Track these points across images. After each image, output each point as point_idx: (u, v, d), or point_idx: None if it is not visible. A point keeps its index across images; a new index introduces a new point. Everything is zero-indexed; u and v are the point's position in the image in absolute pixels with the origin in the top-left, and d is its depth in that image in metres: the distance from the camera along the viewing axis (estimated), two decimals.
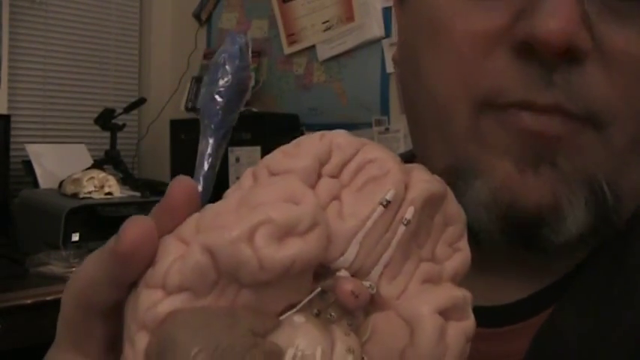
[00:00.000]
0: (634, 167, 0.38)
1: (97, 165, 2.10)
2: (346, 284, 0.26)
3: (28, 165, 2.09)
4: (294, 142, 0.29)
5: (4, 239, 1.92)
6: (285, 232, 0.25)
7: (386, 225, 0.27)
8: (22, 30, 2.28)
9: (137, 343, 0.26)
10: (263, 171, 0.28)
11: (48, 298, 1.48)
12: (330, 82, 2.24)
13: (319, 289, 0.27)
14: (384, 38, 2.10)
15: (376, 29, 2.10)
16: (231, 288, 0.26)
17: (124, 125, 2.24)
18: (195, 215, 0.28)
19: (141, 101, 2.31)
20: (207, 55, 2.50)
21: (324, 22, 2.21)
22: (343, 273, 0.27)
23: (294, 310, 0.27)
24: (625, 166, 0.38)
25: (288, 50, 2.32)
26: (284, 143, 0.29)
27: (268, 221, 0.25)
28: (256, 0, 2.42)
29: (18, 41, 2.26)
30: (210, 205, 0.28)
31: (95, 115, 2.22)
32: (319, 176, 0.28)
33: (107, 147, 2.21)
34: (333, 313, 0.27)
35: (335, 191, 0.28)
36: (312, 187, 0.28)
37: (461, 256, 0.30)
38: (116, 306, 0.27)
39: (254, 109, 2.20)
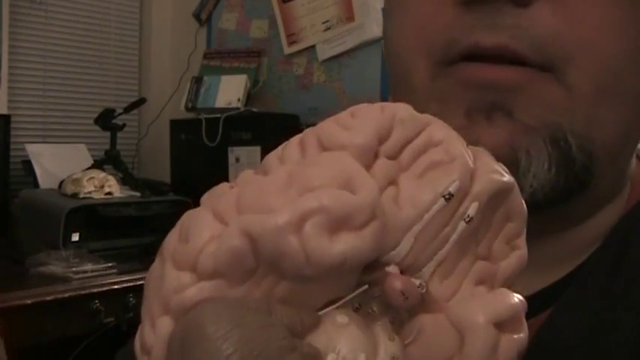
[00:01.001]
0: (607, 122, 0.36)
1: (97, 165, 2.09)
2: (396, 282, 0.24)
3: (28, 165, 2.09)
4: (349, 110, 0.26)
5: (4, 239, 1.92)
6: (340, 225, 0.22)
7: (445, 219, 0.25)
8: (22, 30, 2.28)
9: (160, 328, 0.23)
10: (312, 141, 0.25)
11: (48, 298, 1.48)
12: (330, 82, 2.24)
13: (366, 286, 0.24)
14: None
15: (376, 29, 2.10)
16: (270, 279, 0.23)
17: (124, 125, 2.24)
18: (235, 190, 0.25)
19: (141, 101, 2.31)
20: (207, 55, 2.50)
21: (324, 22, 2.21)
22: (393, 268, 0.24)
23: (336, 305, 0.24)
24: (594, 118, 0.36)
25: (288, 50, 2.32)
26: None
27: (321, 210, 0.22)
28: (256, 0, 2.42)
29: (18, 41, 2.26)
30: (251, 175, 0.25)
31: (95, 115, 2.22)
32: (376, 156, 0.25)
33: (107, 147, 2.21)
34: (375, 308, 0.25)
35: (393, 175, 0.25)
36: (368, 167, 0.25)
37: (518, 256, 0.27)
38: None
39: (254, 109, 2.19)
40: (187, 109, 2.30)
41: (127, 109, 2.26)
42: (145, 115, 2.58)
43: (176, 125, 2.32)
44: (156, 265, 0.25)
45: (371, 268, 0.24)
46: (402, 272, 0.25)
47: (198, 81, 2.34)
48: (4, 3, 2.17)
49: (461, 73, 0.36)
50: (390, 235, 0.24)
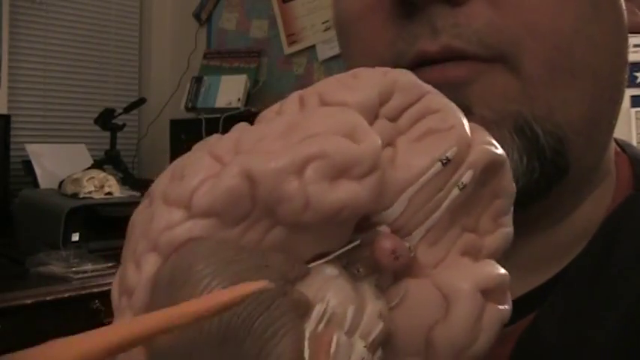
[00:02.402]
0: (569, 101, 0.36)
1: (97, 165, 2.09)
2: (388, 242, 0.23)
3: (28, 165, 2.09)
4: (351, 72, 0.26)
5: (4, 239, 1.92)
6: (341, 172, 0.22)
7: (440, 185, 0.25)
8: (23, 30, 2.28)
9: (145, 266, 0.22)
10: (313, 98, 0.25)
11: (48, 298, 1.48)
12: None
13: (358, 241, 0.24)
14: None
15: None
16: (264, 223, 0.22)
17: (124, 125, 2.24)
18: (232, 135, 0.24)
19: (141, 101, 2.31)
20: (207, 55, 2.50)
21: (324, 22, 2.21)
22: (384, 228, 0.24)
23: (327, 259, 0.23)
24: (554, 100, 0.35)
25: (288, 50, 2.32)
26: None
27: (323, 155, 0.21)
28: (256, 0, 2.42)
29: (18, 41, 2.26)
30: (245, 126, 0.24)
31: (95, 115, 2.22)
32: (376, 116, 0.25)
33: (107, 147, 2.21)
34: (360, 269, 0.24)
35: (391, 136, 0.25)
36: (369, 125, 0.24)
37: (503, 233, 0.27)
38: None
39: (254, 109, 2.19)
40: (187, 109, 2.31)
41: (127, 109, 2.26)
42: (145, 115, 2.58)
43: (176, 125, 2.32)
44: (142, 207, 0.24)
45: (362, 227, 0.24)
46: (393, 234, 0.24)
47: (198, 81, 2.34)
48: (4, 3, 2.17)
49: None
50: (386, 195, 0.24)
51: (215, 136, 0.25)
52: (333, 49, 2.20)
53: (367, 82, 0.25)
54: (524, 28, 0.35)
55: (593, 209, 0.40)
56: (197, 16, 2.60)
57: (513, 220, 0.28)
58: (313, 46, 2.26)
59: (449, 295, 0.24)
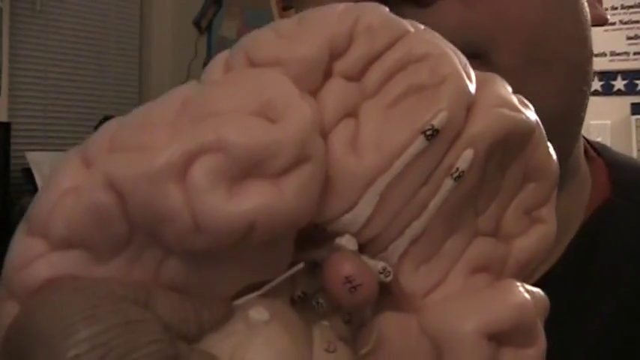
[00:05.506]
0: (547, 93, 0.35)
1: None
2: (342, 264, 0.16)
3: (28, 173, 2.09)
4: (297, 16, 0.18)
5: (4, 247, 1.91)
6: (246, 169, 0.15)
7: (425, 171, 0.17)
8: (23, 38, 2.28)
9: (2, 317, 0.17)
10: (240, 57, 0.18)
11: None
12: None
13: (301, 264, 0.17)
14: None
15: None
16: (153, 252, 0.16)
17: None
18: (115, 122, 0.17)
19: None
20: (207, 64, 2.50)
21: None
22: (347, 240, 0.17)
23: (255, 294, 0.16)
24: (533, 93, 0.33)
25: None
26: None
27: (219, 145, 0.15)
28: (256, 8, 2.42)
29: (18, 49, 2.27)
30: (148, 104, 0.18)
31: (95, 123, 2.22)
32: (328, 75, 0.17)
33: None
34: (321, 300, 0.17)
35: (351, 102, 0.17)
36: (314, 91, 0.17)
37: (541, 233, 0.19)
38: None
39: None
40: None
41: None
42: None
43: None
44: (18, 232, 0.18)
45: (316, 240, 0.17)
46: (360, 248, 0.17)
47: None
48: (4, 11, 2.18)
49: None
50: (344, 193, 0.16)
51: (108, 123, 0.18)
52: None
53: (314, 27, 0.17)
54: (497, 23, 0.34)
55: (569, 206, 0.40)
56: (197, 24, 2.60)
57: None
58: None
59: (440, 341, 0.17)
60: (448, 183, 0.17)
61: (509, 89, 0.19)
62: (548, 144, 0.19)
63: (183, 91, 0.17)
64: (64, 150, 0.17)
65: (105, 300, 0.15)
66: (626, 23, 1.98)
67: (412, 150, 0.16)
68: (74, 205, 0.16)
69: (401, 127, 0.16)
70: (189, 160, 0.14)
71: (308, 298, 0.17)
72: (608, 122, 1.88)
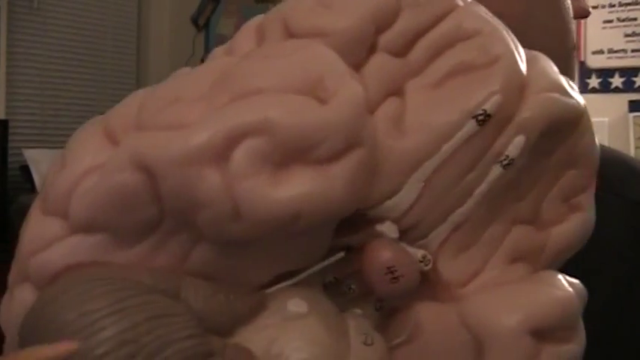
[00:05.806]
0: None
1: None
2: (382, 252, 0.15)
3: (26, 170, 2.09)
4: None
5: (2, 244, 1.91)
6: (293, 154, 0.13)
7: (474, 157, 0.15)
8: (20, 35, 2.28)
9: (16, 299, 0.16)
10: (275, 26, 0.16)
11: None
12: None
13: (341, 254, 0.15)
14: None
15: None
16: (182, 238, 0.14)
17: None
18: (140, 94, 0.16)
19: None
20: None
21: None
22: (388, 227, 0.15)
23: (291, 281, 0.15)
24: None
25: None
26: None
27: (263, 127, 0.13)
28: (254, 6, 2.42)
29: (16, 46, 2.26)
30: (177, 73, 0.16)
31: None
32: (372, 49, 0.15)
33: None
34: (353, 286, 0.16)
35: (396, 80, 0.15)
36: (358, 66, 0.15)
37: (579, 221, 0.18)
38: None
39: None
40: None
41: None
42: None
43: None
44: (32, 212, 0.17)
45: (354, 224, 0.15)
46: (400, 235, 0.16)
47: None
48: (2, 8, 2.17)
49: None
50: (385, 177, 0.15)
51: (134, 94, 0.16)
52: None
53: None
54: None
55: None
56: (195, 21, 2.60)
57: None
58: None
59: (481, 334, 0.15)
60: (496, 170, 0.16)
61: (556, 69, 0.17)
62: (594, 130, 0.18)
63: (216, 64, 0.15)
64: (62, 147, 0.17)
65: (133, 291, 0.13)
66: (623, 21, 1.98)
67: (462, 134, 0.15)
68: (98, 186, 0.14)
69: (449, 108, 0.15)
70: (231, 142, 0.13)
71: (339, 283, 0.16)
72: (606, 119, 1.88)
